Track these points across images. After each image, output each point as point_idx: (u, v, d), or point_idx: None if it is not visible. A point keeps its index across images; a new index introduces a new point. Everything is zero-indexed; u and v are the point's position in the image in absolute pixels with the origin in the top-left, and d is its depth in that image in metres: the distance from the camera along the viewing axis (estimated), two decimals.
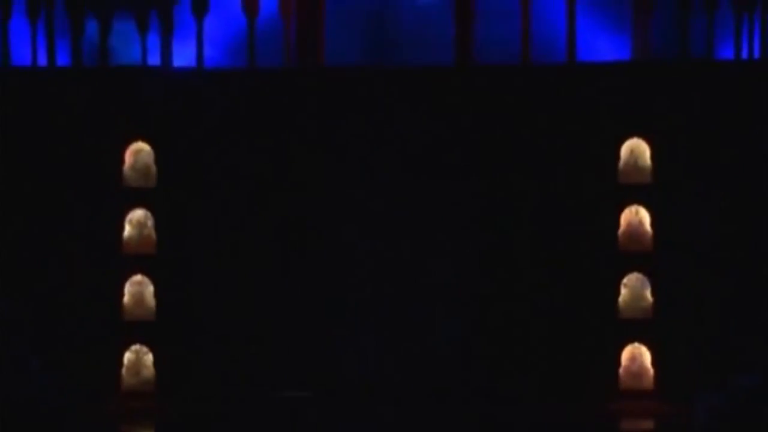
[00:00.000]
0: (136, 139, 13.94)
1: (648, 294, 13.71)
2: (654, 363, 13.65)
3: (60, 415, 11.85)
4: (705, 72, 14.17)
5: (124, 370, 13.76)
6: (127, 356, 13.77)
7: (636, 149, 13.81)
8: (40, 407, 11.48)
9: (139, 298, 13.86)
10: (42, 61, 14.78)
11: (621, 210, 13.76)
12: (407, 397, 13.58)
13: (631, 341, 13.69)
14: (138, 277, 13.85)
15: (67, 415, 12.03)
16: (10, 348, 11.47)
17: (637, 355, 13.68)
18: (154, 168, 13.96)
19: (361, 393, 13.62)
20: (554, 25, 15.29)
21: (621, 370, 13.67)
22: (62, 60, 14.86)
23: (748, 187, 13.63)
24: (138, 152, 13.97)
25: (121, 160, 13.94)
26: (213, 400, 13.56)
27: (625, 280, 13.72)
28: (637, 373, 13.67)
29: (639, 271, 13.71)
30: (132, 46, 15.16)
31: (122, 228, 13.88)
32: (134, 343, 13.79)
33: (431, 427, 12.87)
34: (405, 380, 13.70)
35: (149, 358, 13.78)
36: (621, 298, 13.72)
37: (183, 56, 15.50)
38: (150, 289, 13.85)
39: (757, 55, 14.70)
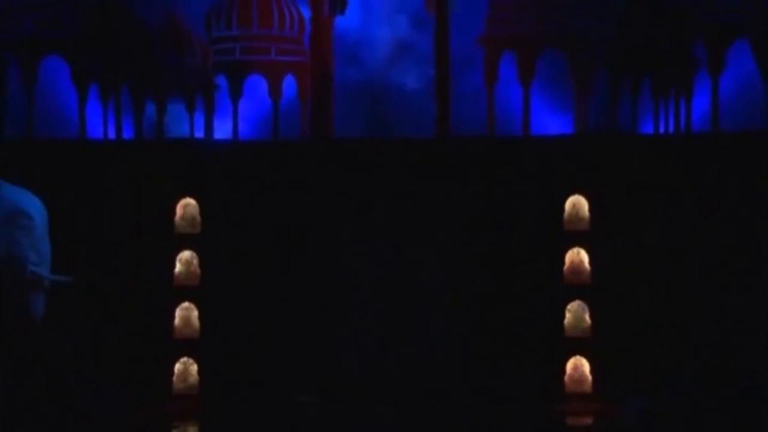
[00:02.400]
0: (184, 195, 13.94)
1: (587, 317, 13.68)
2: (592, 372, 13.60)
3: (117, 418, 11.83)
4: (630, 143, 14.23)
5: (174, 378, 13.72)
6: (177, 366, 13.73)
7: (577, 203, 13.79)
8: (110, 410, 11.44)
9: (186, 321, 13.83)
10: (111, 134, 14.93)
11: (566, 251, 13.74)
12: (398, 396, 13.52)
13: (574, 354, 13.65)
14: (186, 304, 13.82)
15: (122, 418, 12.01)
16: (88, 362, 11.45)
17: (579, 366, 13.63)
18: (199, 218, 13.94)
19: (363, 394, 13.55)
20: (513, 106, 15.40)
21: (566, 377, 13.63)
22: (127, 134, 14.97)
23: (665, 232, 13.59)
24: (186, 206, 13.96)
25: (173, 212, 13.93)
26: (247, 401, 13.49)
27: (569, 307, 13.69)
28: (579, 379, 13.62)
29: (580, 299, 13.69)
30: (182, 123, 15.31)
31: (174, 265, 13.87)
32: (182, 356, 13.75)
33: (415, 421, 12.83)
34: (393, 390, 13.64)
35: (195, 368, 13.74)
36: (566, 321, 13.69)
37: (222, 131, 15.62)
38: (195, 313, 13.82)
39: (672, 130, 14.90)
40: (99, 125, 15.02)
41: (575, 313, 13.68)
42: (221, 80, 15.57)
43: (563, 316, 13.66)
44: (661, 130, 14.90)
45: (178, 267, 13.87)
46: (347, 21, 15.92)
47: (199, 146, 14.72)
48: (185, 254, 13.88)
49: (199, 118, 15.16)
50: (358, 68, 16.72)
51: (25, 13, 14.95)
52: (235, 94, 15.65)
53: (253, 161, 14.10)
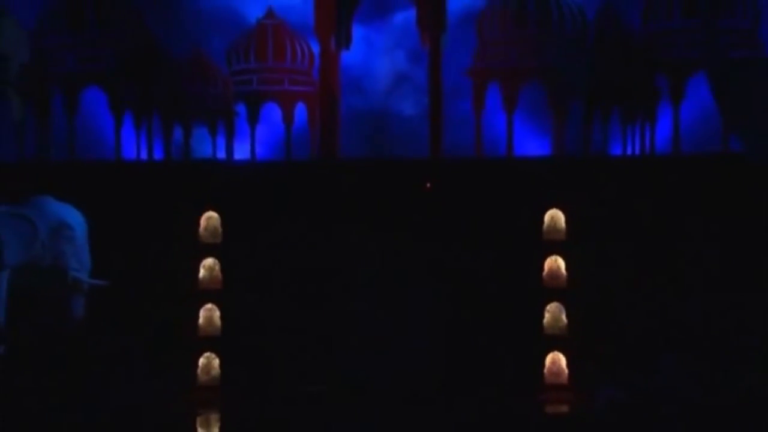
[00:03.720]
0: (208, 209, 14.00)
1: (564, 317, 13.74)
2: (568, 365, 13.67)
3: (155, 403, 11.89)
4: (601, 164, 14.33)
5: (198, 370, 13.78)
6: (201, 361, 13.79)
7: (555, 216, 13.86)
8: (143, 399, 11.48)
9: (209, 320, 13.89)
10: (143, 155, 15.11)
11: (545, 258, 13.80)
12: (392, 393, 13.44)
13: (552, 349, 13.71)
14: (209, 305, 13.89)
15: (160, 402, 12.07)
16: (123, 357, 11.50)
17: (557, 360, 13.70)
18: (220, 229, 14.00)
19: (359, 389, 13.50)
20: (498, 131, 15.49)
21: (545, 370, 13.69)
22: (157, 155, 15.12)
23: (633, 242, 13.65)
24: (209, 218, 14.03)
25: (198, 224, 14.00)
26: (263, 391, 13.51)
27: (548, 308, 13.76)
28: (557, 372, 13.69)
29: (557, 301, 13.76)
30: (205, 145, 15.38)
31: (198, 271, 13.94)
32: (206, 351, 13.80)
33: (404, 412, 12.76)
34: (391, 382, 13.61)
35: (217, 362, 13.80)
36: (545, 320, 13.75)
37: (241, 152, 15.71)
38: (217, 313, 13.88)
39: (638, 152, 15.01)
40: (133, 147, 15.22)
41: (553, 313, 13.75)
42: (240, 108, 15.68)
43: (542, 316, 13.73)
44: (629, 152, 15.04)
45: (202, 272, 13.95)
46: (352, 55, 16.04)
47: (221, 166, 14.82)
48: (208, 261, 13.95)
49: (221, 141, 15.26)
50: (361, 97, 16.82)
51: (68, 51, 15.10)
52: (253, 120, 15.75)
53: (268, 179, 14.17)
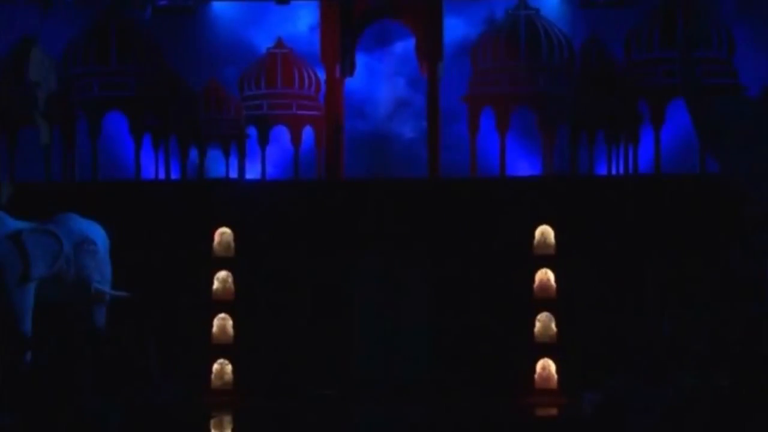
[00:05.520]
0: (221, 225, 14.02)
1: (553, 326, 13.73)
2: (557, 371, 13.67)
3: (172, 406, 11.85)
4: (588, 182, 14.39)
5: (212, 376, 13.80)
6: (215, 367, 13.81)
7: (545, 232, 13.87)
8: (161, 403, 11.45)
9: (222, 329, 13.90)
10: (161, 175, 15.10)
11: (536, 271, 13.81)
12: (393, 396, 13.48)
13: (543, 357, 13.70)
14: (222, 315, 13.90)
15: (177, 406, 12.02)
16: (143, 363, 11.46)
17: (547, 366, 13.69)
18: (233, 244, 14.02)
19: (363, 390, 13.55)
20: (491, 152, 15.49)
21: (536, 376, 13.69)
22: (174, 174, 15.13)
23: (618, 255, 13.64)
24: (222, 234, 14.05)
25: (212, 239, 14.02)
26: (273, 395, 13.51)
27: (538, 317, 13.75)
28: (547, 377, 13.68)
29: (547, 311, 13.76)
30: (219, 165, 15.39)
31: (212, 283, 13.95)
32: (219, 357, 13.83)
33: (402, 412, 12.80)
34: (391, 386, 13.63)
35: (229, 368, 13.82)
36: (536, 329, 13.75)
37: (252, 172, 15.69)
38: (230, 322, 13.91)
39: (621, 172, 14.99)
40: (151, 168, 15.22)
41: (543, 322, 13.74)
42: (251, 130, 15.69)
43: (533, 325, 13.73)
44: (614, 172, 15.04)
45: (216, 284, 13.95)
46: (355, 82, 16.05)
47: (234, 185, 14.81)
48: (222, 274, 13.96)
49: (234, 162, 15.28)
50: (364, 121, 16.82)
51: (93, 79, 15.16)
52: (263, 142, 15.75)
53: (278, 197, 14.18)
